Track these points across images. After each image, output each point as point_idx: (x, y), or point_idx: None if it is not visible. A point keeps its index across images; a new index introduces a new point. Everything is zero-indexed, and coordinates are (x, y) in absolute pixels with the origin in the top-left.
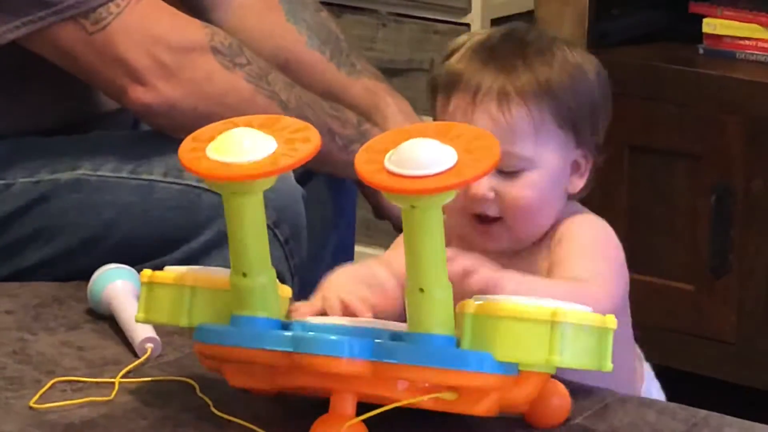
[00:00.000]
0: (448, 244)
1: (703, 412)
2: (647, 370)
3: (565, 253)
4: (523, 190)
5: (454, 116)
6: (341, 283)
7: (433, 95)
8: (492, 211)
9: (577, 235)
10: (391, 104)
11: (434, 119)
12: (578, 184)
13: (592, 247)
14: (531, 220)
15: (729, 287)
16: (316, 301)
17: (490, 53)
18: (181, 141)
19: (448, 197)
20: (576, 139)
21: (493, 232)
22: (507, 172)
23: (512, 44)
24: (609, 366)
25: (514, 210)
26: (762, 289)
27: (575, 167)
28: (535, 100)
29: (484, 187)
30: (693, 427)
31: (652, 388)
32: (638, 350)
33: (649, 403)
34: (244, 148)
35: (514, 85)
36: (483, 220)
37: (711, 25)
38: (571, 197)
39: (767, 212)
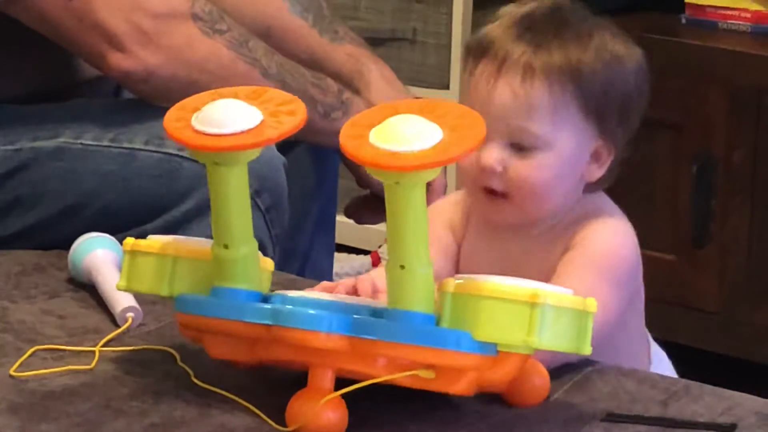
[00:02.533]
0: (468, 217)
1: (683, 381)
2: (656, 351)
3: (570, 262)
4: (532, 169)
5: (478, 82)
6: None
7: (466, 58)
8: (498, 186)
9: (590, 245)
10: (374, 70)
11: (463, 84)
12: (596, 173)
13: (600, 262)
14: (537, 200)
15: (711, 257)
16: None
17: (528, 27)
18: (162, 109)
19: (432, 174)
20: (600, 128)
21: (500, 206)
22: (520, 147)
23: (553, 22)
24: (588, 349)
25: (519, 188)
26: (743, 259)
27: (596, 156)
28: (559, 81)
29: (494, 159)
30: (672, 396)
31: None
32: (648, 334)
33: (629, 372)
34: (229, 119)
35: (542, 60)
36: (490, 193)
37: None
38: (590, 187)
39: (748, 182)
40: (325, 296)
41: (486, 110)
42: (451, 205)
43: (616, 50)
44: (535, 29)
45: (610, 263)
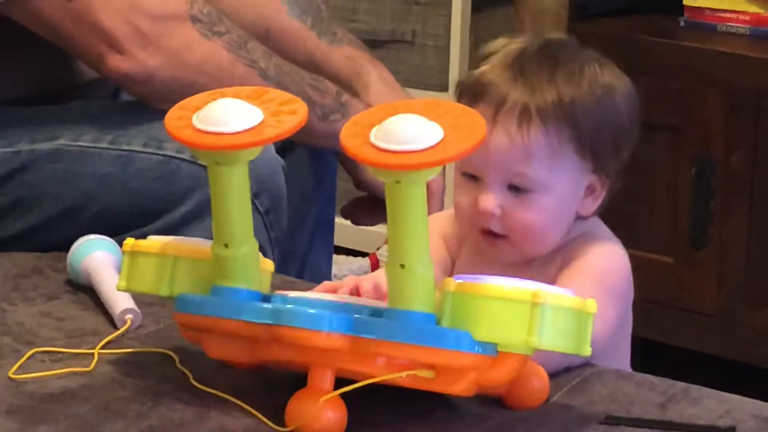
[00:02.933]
0: (460, 253)
1: (682, 384)
2: None
3: (566, 277)
4: (530, 212)
5: None
6: None
7: (459, 97)
8: (497, 228)
9: (585, 263)
10: (373, 72)
11: None
12: (591, 207)
13: (597, 278)
14: (536, 241)
15: (709, 259)
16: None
17: (521, 68)
18: (161, 111)
19: (433, 173)
20: (594, 163)
21: (499, 247)
22: (518, 189)
23: (544, 61)
24: (588, 350)
25: (519, 231)
26: (742, 261)
27: (590, 190)
28: (555, 123)
29: (492, 203)
30: (671, 399)
31: None
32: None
33: (627, 375)
34: (230, 118)
35: (537, 105)
36: (489, 234)
37: None
38: (583, 216)
39: (747, 184)
40: (326, 296)
41: (483, 154)
42: (447, 219)
43: (606, 83)
44: (529, 71)
45: (608, 276)
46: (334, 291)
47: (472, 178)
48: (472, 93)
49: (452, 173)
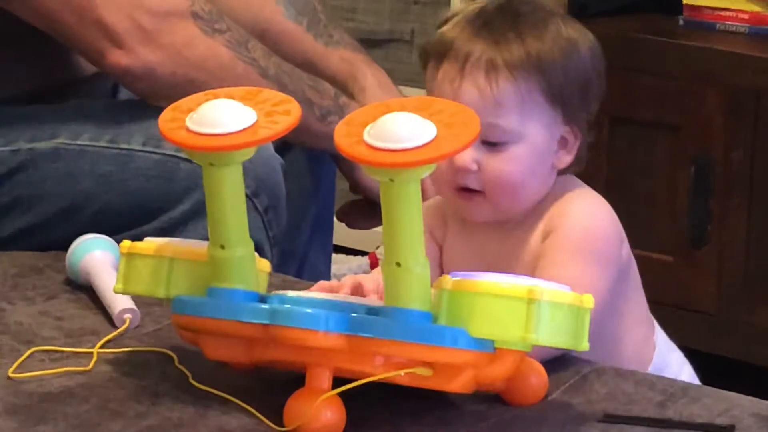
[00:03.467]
0: (475, 224)
1: (681, 383)
2: (664, 341)
3: (552, 249)
4: (506, 163)
5: (442, 84)
6: None
7: (424, 63)
8: (474, 184)
9: (568, 227)
10: (369, 75)
11: (426, 88)
12: (566, 159)
13: (582, 244)
14: (513, 194)
15: (708, 258)
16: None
17: (483, 24)
18: (159, 110)
19: (427, 171)
20: (564, 114)
21: (476, 204)
22: (491, 144)
23: (506, 16)
24: (585, 346)
25: (495, 184)
26: (741, 260)
27: (563, 143)
28: (523, 74)
29: (468, 158)
30: (671, 398)
31: (670, 361)
32: (654, 321)
33: (626, 373)
34: (223, 119)
35: (504, 57)
36: (466, 191)
37: None
38: (560, 172)
39: (746, 183)
40: (322, 295)
41: None
42: (427, 210)
43: (570, 35)
44: (491, 26)
45: (592, 242)
46: (331, 291)
47: None
48: (436, 53)
49: None
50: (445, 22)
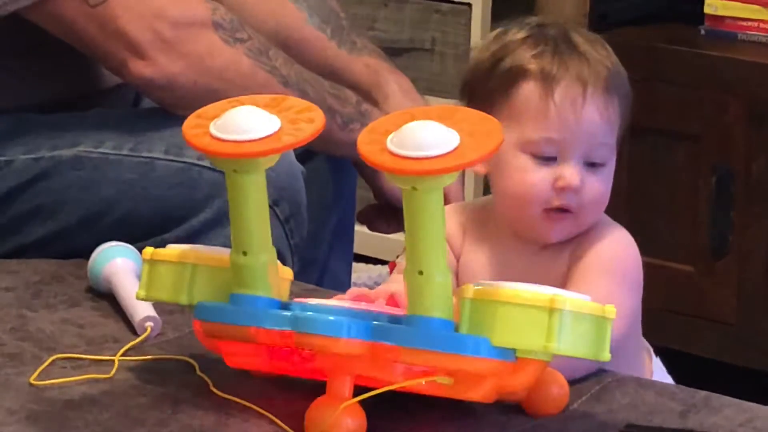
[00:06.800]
0: (498, 237)
1: (703, 393)
2: (658, 368)
3: (583, 270)
4: (603, 183)
5: (563, 107)
6: None
7: (513, 83)
8: (573, 203)
9: (598, 251)
10: (392, 82)
11: (505, 105)
12: None
13: (610, 264)
14: (599, 213)
15: (729, 268)
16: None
17: (567, 46)
18: (181, 119)
19: (450, 179)
20: (618, 130)
21: (565, 224)
22: (592, 164)
23: (574, 36)
24: (607, 356)
25: (592, 203)
26: (762, 271)
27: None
28: (620, 92)
29: (577, 178)
30: (692, 408)
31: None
32: (647, 345)
33: (648, 383)
34: (248, 125)
35: (614, 81)
36: (559, 212)
37: (712, 6)
38: None
39: (767, 193)
40: (345, 304)
41: (573, 131)
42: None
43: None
44: (574, 48)
45: (623, 268)
46: (367, 299)
47: (544, 159)
48: (544, 77)
49: (471, 181)
50: (505, 50)
